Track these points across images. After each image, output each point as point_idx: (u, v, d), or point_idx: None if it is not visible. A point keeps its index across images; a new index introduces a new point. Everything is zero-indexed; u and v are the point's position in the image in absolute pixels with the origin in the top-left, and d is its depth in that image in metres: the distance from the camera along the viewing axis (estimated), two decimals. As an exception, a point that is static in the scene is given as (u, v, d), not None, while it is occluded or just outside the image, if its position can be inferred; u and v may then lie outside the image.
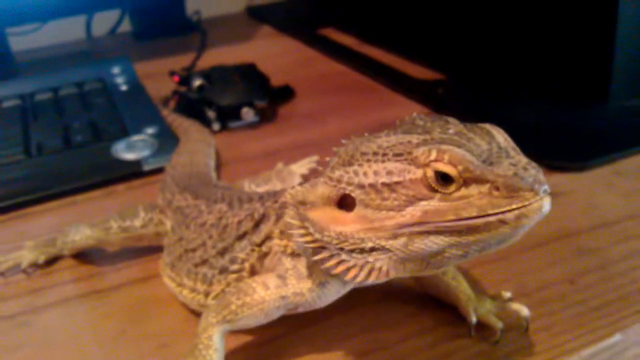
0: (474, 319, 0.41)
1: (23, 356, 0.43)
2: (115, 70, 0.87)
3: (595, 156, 0.60)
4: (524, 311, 0.41)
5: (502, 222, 0.31)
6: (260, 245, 0.40)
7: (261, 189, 0.57)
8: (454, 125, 0.33)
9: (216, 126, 0.75)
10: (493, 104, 0.74)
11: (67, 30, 1.13)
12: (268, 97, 0.79)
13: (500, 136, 0.33)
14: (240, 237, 0.41)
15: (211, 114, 0.75)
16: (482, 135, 0.32)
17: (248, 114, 0.75)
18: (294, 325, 0.43)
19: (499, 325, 0.40)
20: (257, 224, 0.41)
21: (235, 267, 0.41)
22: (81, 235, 0.51)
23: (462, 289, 0.42)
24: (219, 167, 0.67)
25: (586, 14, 0.68)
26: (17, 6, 0.91)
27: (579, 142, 0.64)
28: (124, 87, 0.83)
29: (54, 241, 0.53)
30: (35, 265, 0.53)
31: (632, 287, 0.44)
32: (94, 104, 0.79)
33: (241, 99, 0.76)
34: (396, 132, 0.34)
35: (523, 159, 0.32)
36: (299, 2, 1.30)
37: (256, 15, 1.23)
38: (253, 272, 0.41)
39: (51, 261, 0.53)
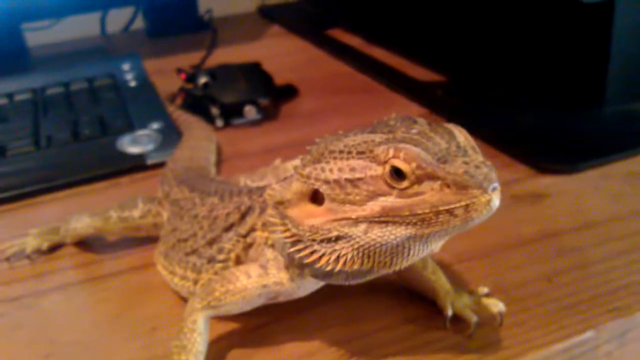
0: (449, 312, 0.43)
1: (25, 335, 0.46)
2: (126, 66, 0.89)
3: (585, 159, 0.61)
4: (499, 306, 0.42)
5: (452, 215, 0.32)
6: (245, 236, 0.42)
7: (256, 185, 0.59)
8: (419, 125, 0.35)
9: (219, 123, 0.77)
10: (489, 106, 0.75)
11: (81, 27, 1.15)
12: (271, 95, 0.81)
13: (462, 136, 0.35)
14: (228, 229, 0.43)
15: (215, 111, 0.77)
16: (442, 135, 0.34)
17: (251, 111, 0.77)
18: (276, 314, 0.44)
19: (474, 319, 0.42)
20: (243, 216, 0.43)
21: (221, 256, 0.43)
22: (82, 224, 0.53)
23: (440, 283, 0.44)
24: (220, 162, 0.69)
25: (583, 19, 0.69)
26: (33, 2, 0.93)
27: (571, 145, 0.65)
28: (132, 83, 0.85)
29: (57, 229, 0.55)
30: (38, 252, 0.55)
31: (608, 287, 0.46)
32: (103, 99, 0.81)
33: (244, 97, 0.78)
34: (363, 131, 0.36)
35: (478, 158, 0.33)
36: (309, 2, 1.32)
37: (267, 15, 1.25)
38: (239, 262, 0.43)
39: (54, 248, 0.56)
